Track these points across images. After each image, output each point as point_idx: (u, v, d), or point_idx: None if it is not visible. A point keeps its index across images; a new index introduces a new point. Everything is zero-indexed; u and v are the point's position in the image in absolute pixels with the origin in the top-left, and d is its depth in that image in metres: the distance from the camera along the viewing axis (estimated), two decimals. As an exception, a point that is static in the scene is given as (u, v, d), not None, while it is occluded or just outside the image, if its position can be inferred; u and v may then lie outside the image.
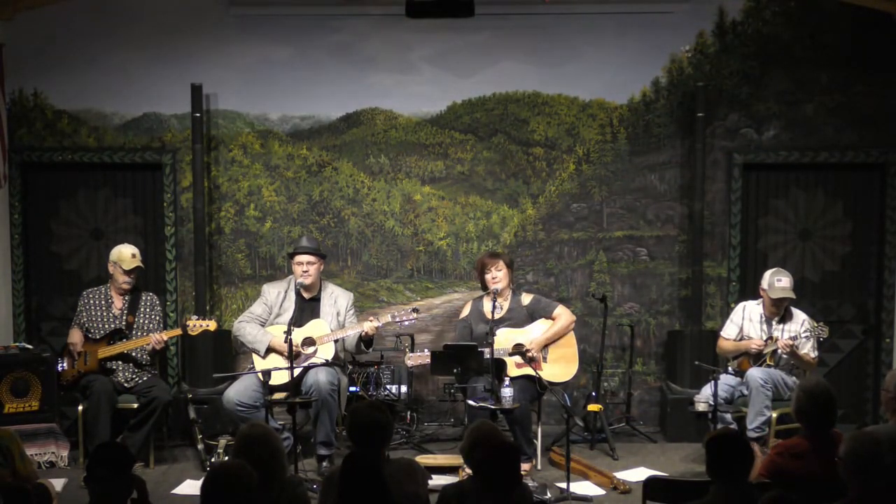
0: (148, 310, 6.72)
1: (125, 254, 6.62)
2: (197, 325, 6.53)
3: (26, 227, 7.56)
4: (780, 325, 6.56)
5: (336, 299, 6.63)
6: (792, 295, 6.49)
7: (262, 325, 6.57)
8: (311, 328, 6.48)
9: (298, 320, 6.35)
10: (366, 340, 6.50)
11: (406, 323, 6.54)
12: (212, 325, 6.57)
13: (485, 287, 6.60)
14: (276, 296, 6.63)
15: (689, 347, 7.25)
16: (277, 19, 7.43)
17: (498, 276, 6.51)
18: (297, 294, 6.54)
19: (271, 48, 7.48)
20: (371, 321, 6.42)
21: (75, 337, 6.61)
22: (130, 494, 3.89)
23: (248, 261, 7.64)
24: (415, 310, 6.55)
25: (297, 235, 7.21)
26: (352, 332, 6.46)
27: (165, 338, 6.55)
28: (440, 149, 7.61)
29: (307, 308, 6.55)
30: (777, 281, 6.50)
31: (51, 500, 4.89)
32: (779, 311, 6.53)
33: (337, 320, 6.56)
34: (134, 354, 6.61)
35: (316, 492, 5.08)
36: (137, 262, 6.64)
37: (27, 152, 7.48)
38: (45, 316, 7.65)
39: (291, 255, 6.64)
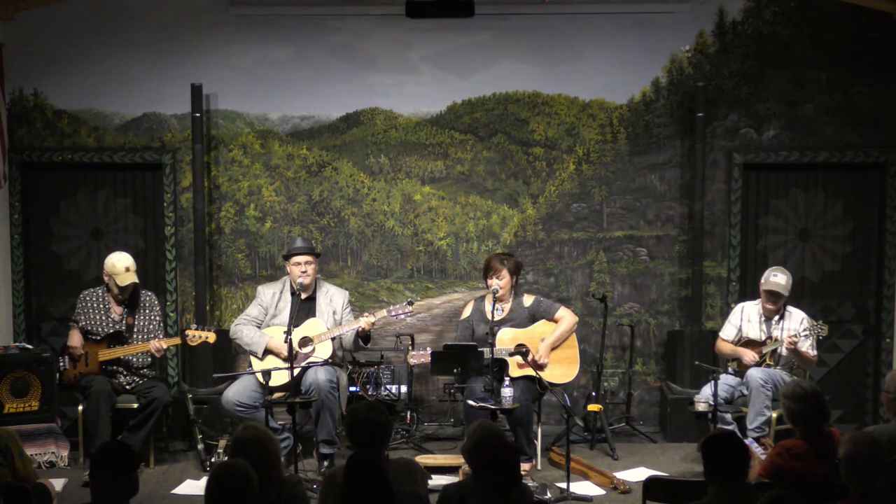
0: (147, 311, 6.68)
1: (118, 268, 6.51)
2: (197, 335, 6.50)
3: (26, 227, 7.56)
4: (780, 325, 6.57)
5: (332, 298, 6.63)
6: (783, 291, 6.49)
7: (259, 326, 6.57)
8: (308, 327, 6.48)
9: (295, 320, 6.34)
10: (363, 337, 6.50)
11: (402, 316, 6.53)
12: (211, 336, 6.52)
13: (488, 285, 6.60)
14: (272, 297, 6.63)
15: (689, 347, 7.25)
16: (277, 19, 7.43)
17: (500, 283, 6.49)
18: (293, 294, 6.54)
19: (271, 48, 7.48)
20: (367, 317, 6.42)
21: (75, 339, 6.53)
22: (133, 495, 3.86)
23: (248, 261, 7.63)
24: (409, 302, 6.54)
25: (297, 235, 7.21)
26: (348, 330, 6.46)
27: (165, 346, 6.50)
28: (440, 149, 7.61)
29: (303, 308, 6.54)
30: (773, 276, 6.54)
31: (51, 500, 4.89)
32: (775, 308, 6.54)
33: (333, 319, 6.56)
34: (134, 359, 6.59)
35: (316, 492, 5.09)
36: (132, 279, 6.54)
37: (27, 152, 7.48)
38: (45, 316, 7.65)
39: (287, 258, 6.63)
